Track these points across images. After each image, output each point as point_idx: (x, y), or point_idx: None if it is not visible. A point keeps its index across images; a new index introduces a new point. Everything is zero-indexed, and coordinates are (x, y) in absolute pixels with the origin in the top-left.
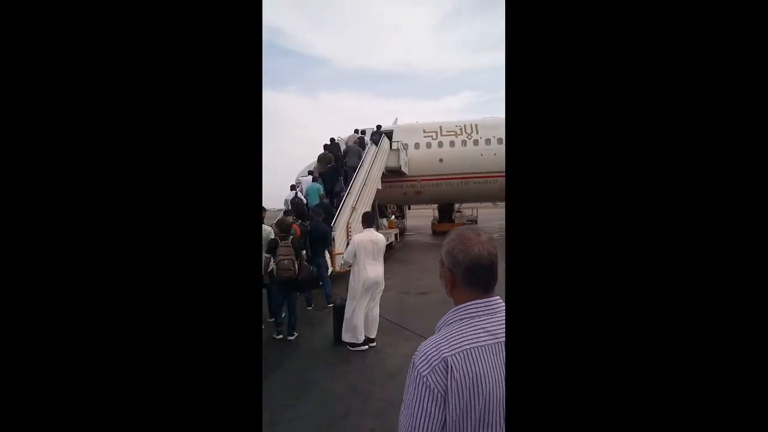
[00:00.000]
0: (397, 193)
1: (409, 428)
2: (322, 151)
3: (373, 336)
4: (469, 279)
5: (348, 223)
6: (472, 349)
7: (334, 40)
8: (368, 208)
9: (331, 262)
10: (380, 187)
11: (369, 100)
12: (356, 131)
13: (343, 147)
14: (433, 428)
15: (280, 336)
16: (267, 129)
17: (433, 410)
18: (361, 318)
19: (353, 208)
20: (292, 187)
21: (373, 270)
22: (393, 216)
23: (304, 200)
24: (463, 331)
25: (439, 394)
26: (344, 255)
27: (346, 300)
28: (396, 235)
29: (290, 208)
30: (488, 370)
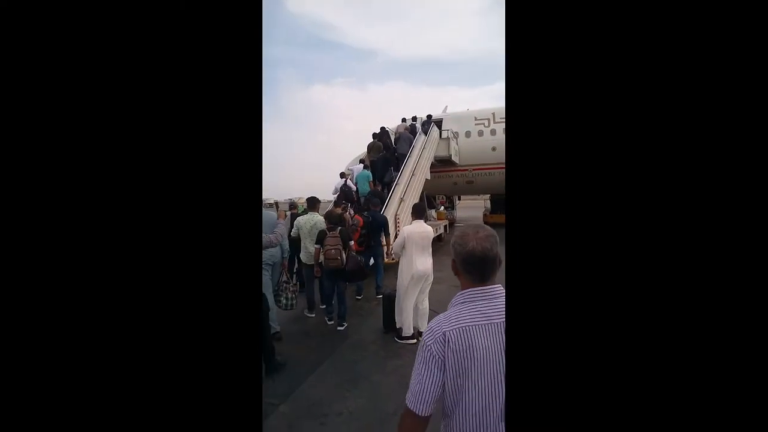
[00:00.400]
0: (446, 184)
1: (417, 384)
2: (372, 140)
3: (423, 329)
4: (465, 268)
5: (396, 215)
6: (466, 327)
7: (382, 30)
8: (417, 199)
9: (387, 251)
10: (429, 178)
11: (419, 90)
12: (404, 120)
13: (393, 137)
14: (435, 385)
15: (332, 322)
16: (315, 122)
17: (434, 371)
18: (410, 311)
19: (401, 200)
20: (342, 175)
21: (423, 262)
22: (442, 207)
23: (354, 188)
24: (463, 312)
25: (440, 359)
26: (393, 247)
27: (395, 292)
28: (445, 226)
29: (339, 194)
30: (480, 344)
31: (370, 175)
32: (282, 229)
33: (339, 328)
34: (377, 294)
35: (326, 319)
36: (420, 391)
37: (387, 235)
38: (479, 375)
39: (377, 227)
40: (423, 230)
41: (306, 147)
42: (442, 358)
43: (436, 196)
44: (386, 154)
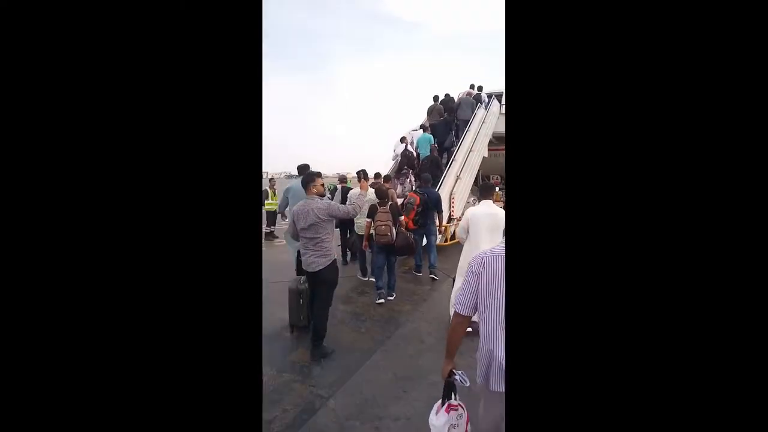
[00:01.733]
0: (503, 163)
1: (461, 293)
2: (432, 103)
3: None
4: None
5: (452, 194)
6: (498, 257)
7: (436, 2)
8: (473, 178)
9: (439, 230)
10: (486, 155)
11: (477, 61)
12: (472, 86)
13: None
14: (472, 293)
15: (382, 300)
16: (371, 96)
17: (472, 283)
18: None
19: (458, 177)
20: (402, 139)
21: None
22: (497, 188)
23: (414, 153)
24: (500, 248)
25: (476, 275)
26: (457, 231)
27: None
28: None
29: (401, 159)
30: (497, 269)
31: (432, 138)
32: (361, 200)
33: (389, 297)
34: (430, 273)
35: (376, 297)
36: (462, 297)
37: (440, 212)
38: (496, 291)
39: (431, 205)
40: (492, 212)
41: (361, 121)
42: (478, 274)
43: (491, 176)
44: (447, 117)
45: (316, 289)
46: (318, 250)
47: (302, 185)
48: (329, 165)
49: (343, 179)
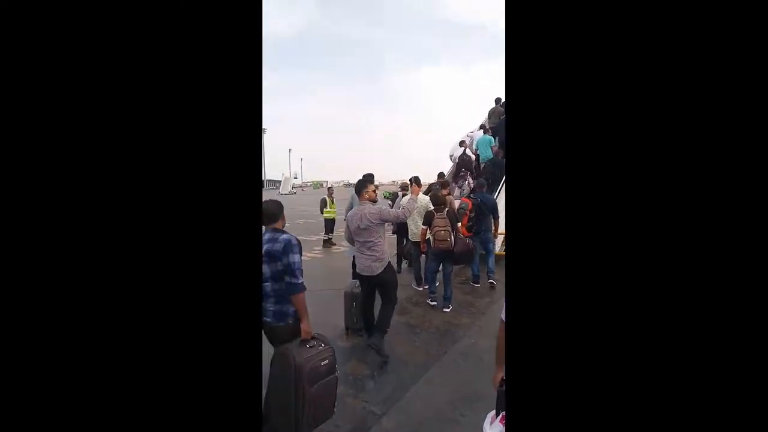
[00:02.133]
0: None
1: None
2: (494, 105)
3: None
4: None
5: None
6: None
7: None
8: None
9: (495, 236)
10: None
11: None
12: None
13: None
14: None
15: (435, 303)
16: (426, 105)
17: None
18: None
19: None
20: (461, 143)
21: None
22: None
23: (473, 157)
24: None
25: None
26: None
27: None
28: None
29: (458, 163)
30: None
31: (492, 139)
32: (411, 204)
33: (445, 309)
34: (488, 279)
35: (429, 300)
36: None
37: (496, 218)
38: None
39: (486, 211)
40: None
41: (416, 129)
42: None
43: None
44: None
45: (378, 291)
46: (372, 254)
47: (356, 192)
48: (388, 173)
49: (404, 187)
